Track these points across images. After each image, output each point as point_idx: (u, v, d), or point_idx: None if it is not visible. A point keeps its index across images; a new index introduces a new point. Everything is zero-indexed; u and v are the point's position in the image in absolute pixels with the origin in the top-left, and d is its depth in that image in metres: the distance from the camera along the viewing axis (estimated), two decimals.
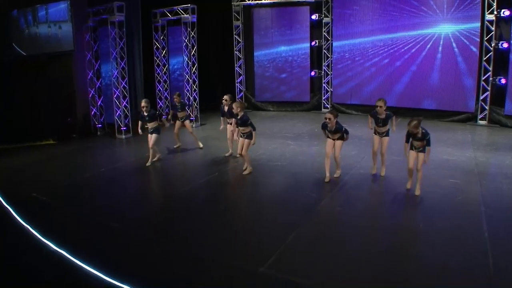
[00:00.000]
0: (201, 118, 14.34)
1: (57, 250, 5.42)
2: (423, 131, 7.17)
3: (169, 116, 11.08)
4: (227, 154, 10.08)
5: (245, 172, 8.65)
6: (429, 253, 5.31)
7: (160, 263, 5.14)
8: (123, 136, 12.34)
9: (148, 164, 9.44)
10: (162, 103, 14.70)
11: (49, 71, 12.57)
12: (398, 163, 8.91)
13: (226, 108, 9.75)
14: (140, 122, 9.58)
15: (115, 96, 12.32)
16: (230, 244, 5.67)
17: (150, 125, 9.42)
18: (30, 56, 12.33)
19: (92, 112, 13.24)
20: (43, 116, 12.37)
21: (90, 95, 13.16)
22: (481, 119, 13.76)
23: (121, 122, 12.37)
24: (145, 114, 9.37)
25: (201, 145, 10.78)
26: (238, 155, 8.96)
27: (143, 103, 9.37)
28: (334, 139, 8.09)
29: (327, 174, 8.12)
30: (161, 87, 14.63)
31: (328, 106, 16.84)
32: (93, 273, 4.85)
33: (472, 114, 13.89)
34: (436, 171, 8.55)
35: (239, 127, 8.55)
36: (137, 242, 5.75)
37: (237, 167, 9.30)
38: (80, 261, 5.07)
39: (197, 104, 13.93)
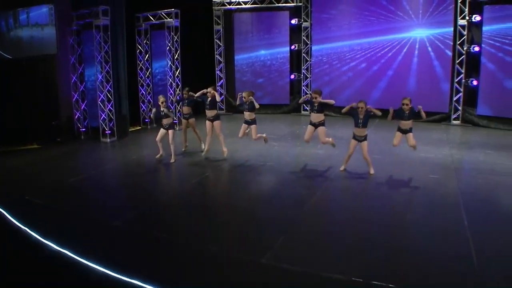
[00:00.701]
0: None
1: (60, 250, 5.55)
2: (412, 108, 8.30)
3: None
4: (203, 153, 10.27)
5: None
6: (416, 242, 5.79)
7: (166, 257, 5.42)
8: (108, 140, 12.45)
9: (172, 161, 9.99)
10: (145, 107, 14.85)
11: (32, 75, 12.54)
12: (380, 161, 9.41)
13: (209, 100, 10.01)
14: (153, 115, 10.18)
15: (99, 99, 12.42)
16: (231, 238, 6.01)
17: (165, 121, 9.93)
18: (14, 59, 12.28)
19: (76, 116, 13.27)
20: (26, 120, 12.33)
21: (74, 99, 13.19)
22: (454, 119, 14.57)
23: (105, 125, 12.47)
24: (162, 109, 9.78)
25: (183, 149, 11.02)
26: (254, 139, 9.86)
27: (161, 99, 9.80)
28: (361, 139, 8.66)
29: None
30: (144, 90, 14.79)
31: (307, 109, 17.31)
32: (101, 270, 5.02)
33: (446, 115, 14.69)
34: (416, 168, 9.12)
35: (247, 112, 9.60)
36: (141, 239, 5.99)
37: (225, 167, 9.65)
38: (87, 260, 5.24)
39: (180, 107, 14.14)
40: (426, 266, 5.05)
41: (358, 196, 7.88)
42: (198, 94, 10.24)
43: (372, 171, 8.79)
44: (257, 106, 9.51)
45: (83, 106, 13.33)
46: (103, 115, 12.49)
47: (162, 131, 10.10)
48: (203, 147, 10.60)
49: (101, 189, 8.46)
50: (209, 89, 10.06)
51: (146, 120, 14.86)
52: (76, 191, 8.18)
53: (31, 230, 6.21)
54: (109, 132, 12.49)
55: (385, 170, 8.87)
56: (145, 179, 8.99)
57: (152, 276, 4.82)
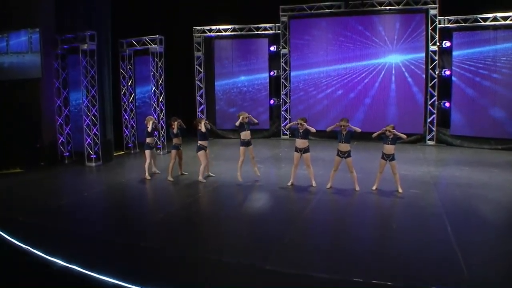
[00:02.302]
0: (167, 146, 14.85)
1: (68, 266, 5.79)
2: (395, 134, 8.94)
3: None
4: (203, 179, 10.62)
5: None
6: (404, 247, 6.39)
7: (175, 267, 5.83)
8: (93, 164, 12.66)
9: (183, 173, 11.02)
10: (128, 132, 15.15)
11: (15, 98, 12.66)
12: (361, 178, 10.04)
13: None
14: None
15: (85, 123, 12.69)
16: (234, 247, 6.46)
17: (177, 141, 10.61)
18: None
19: (60, 140, 13.43)
20: (8, 144, 12.40)
21: (58, 123, 13.38)
22: (429, 140, 15.59)
23: (91, 149, 12.71)
24: (174, 131, 10.52)
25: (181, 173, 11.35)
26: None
27: (176, 121, 10.61)
28: (344, 155, 9.28)
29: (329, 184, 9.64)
30: (127, 115, 15.13)
31: (287, 133, 17.99)
32: (111, 282, 5.32)
33: (421, 136, 15.67)
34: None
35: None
36: (148, 251, 6.35)
37: (216, 187, 10.11)
38: (96, 273, 5.51)
39: (163, 132, 14.55)
40: (414, 265, 5.62)
41: (345, 209, 8.58)
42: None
43: (357, 188, 9.40)
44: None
45: (67, 130, 13.53)
46: (89, 139, 12.74)
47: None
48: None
49: (97, 210, 8.78)
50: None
51: (129, 145, 15.15)
52: (71, 212, 8.44)
53: (34, 249, 6.40)
54: (94, 156, 12.73)
55: (367, 186, 9.51)
56: (141, 199, 9.42)
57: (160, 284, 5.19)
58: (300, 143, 9.63)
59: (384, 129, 9.10)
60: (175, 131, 10.65)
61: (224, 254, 6.11)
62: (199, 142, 10.39)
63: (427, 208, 8.23)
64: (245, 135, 10.27)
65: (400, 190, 9.11)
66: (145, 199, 9.67)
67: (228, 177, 10.80)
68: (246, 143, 10.30)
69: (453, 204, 8.41)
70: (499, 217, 7.77)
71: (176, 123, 10.64)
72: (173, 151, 10.73)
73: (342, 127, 9.22)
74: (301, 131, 9.56)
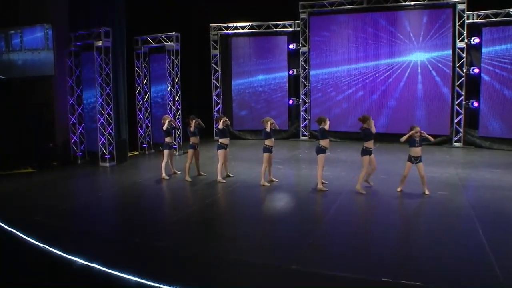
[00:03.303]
0: (183, 147, 15.01)
1: (88, 265, 5.93)
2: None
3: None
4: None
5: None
6: (434, 249, 6.35)
7: (198, 266, 5.96)
8: (107, 164, 12.86)
9: (201, 173, 11.14)
10: (142, 132, 15.35)
11: (28, 97, 12.97)
12: (387, 180, 10.09)
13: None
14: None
15: (99, 123, 12.91)
16: (259, 247, 6.58)
17: (194, 140, 10.78)
18: (9, 80, 12.69)
19: (72, 140, 13.68)
20: (20, 144, 12.67)
21: (71, 122, 13.64)
22: (456, 141, 15.45)
23: (105, 149, 12.91)
24: (192, 129, 10.73)
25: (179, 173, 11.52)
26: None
27: (194, 119, 10.77)
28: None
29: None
30: (142, 115, 15.34)
31: (306, 134, 18.02)
32: (133, 280, 5.45)
33: (447, 137, 15.53)
34: (413, 187, 9.67)
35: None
36: (167, 253, 6.44)
37: (235, 188, 10.25)
38: (118, 271, 5.64)
39: (180, 132, 14.70)
40: (450, 271, 5.57)
41: (371, 210, 8.62)
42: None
43: (427, 191, 9.20)
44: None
45: (80, 130, 13.78)
46: (103, 139, 12.95)
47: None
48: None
49: (113, 210, 9.01)
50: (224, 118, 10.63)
51: (144, 145, 15.34)
52: (87, 212, 8.63)
53: (53, 248, 6.54)
54: (109, 156, 12.93)
55: (393, 188, 9.50)
56: (158, 199, 9.62)
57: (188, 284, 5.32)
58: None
59: (413, 131, 9.07)
60: (192, 129, 10.76)
61: (249, 255, 6.22)
62: (219, 140, 10.55)
63: (456, 210, 8.21)
64: (271, 141, 10.37)
65: (427, 192, 9.08)
66: (163, 199, 9.84)
67: (247, 177, 10.90)
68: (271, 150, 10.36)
69: (483, 206, 8.34)
70: None
71: (194, 121, 10.76)
72: (190, 151, 10.86)
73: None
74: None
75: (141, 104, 15.36)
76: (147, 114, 15.50)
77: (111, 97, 12.97)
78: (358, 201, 9.05)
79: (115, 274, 5.62)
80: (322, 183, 9.81)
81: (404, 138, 9.17)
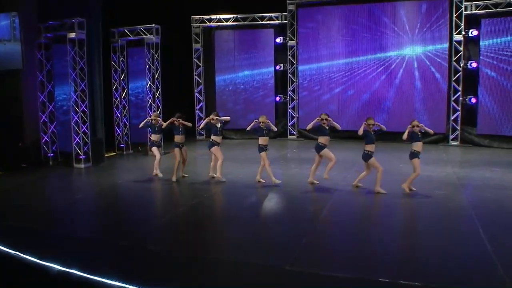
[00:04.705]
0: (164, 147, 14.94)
1: (67, 271, 5.83)
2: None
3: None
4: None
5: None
6: (433, 248, 6.45)
7: (192, 267, 5.99)
8: (82, 165, 12.70)
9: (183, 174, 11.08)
10: (120, 131, 15.24)
11: None
12: (383, 179, 10.14)
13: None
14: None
15: (73, 121, 12.76)
16: (252, 248, 6.62)
17: (179, 139, 10.82)
18: None
19: (43, 140, 13.49)
20: None
21: (41, 120, 13.45)
22: (453, 140, 15.69)
23: (80, 150, 12.78)
24: (180, 128, 10.84)
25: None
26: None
27: (180, 117, 10.91)
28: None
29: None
30: (119, 113, 15.23)
31: (294, 133, 18.10)
32: (116, 285, 5.41)
33: (444, 135, 15.75)
34: (421, 186, 9.84)
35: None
36: (158, 254, 6.43)
37: (224, 187, 10.30)
38: (98, 276, 5.59)
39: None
40: (450, 271, 5.66)
41: (366, 210, 8.76)
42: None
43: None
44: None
45: (51, 129, 13.59)
46: (77, 139, 12.80)
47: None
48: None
49: (92, 212, 8.93)
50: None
51: (122, 145, 15.23)
52: (64, 215, 8.55)
53: (27, 254, 6.41)
54: (84, 157, 12.79)
55: (388, 187, 9.59)
56: (140, 201, 9.58)
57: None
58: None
59: (411, 126, 9.21)
60: (180, 128, 10.87)
61: (242, 256, 6.28)
62: (212, 137, 10.67)
63: (455, 209, 8.39)
64: (265, 140, 10.43)
65: (413, 188, 9.38)
66: (145, 201, 9.73)
67: (234, 177, 10.95)
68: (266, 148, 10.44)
69: (483, 205, 8.51)
70: None
71: (180, 120, 10.85)
72: (177, 150, 10.89)
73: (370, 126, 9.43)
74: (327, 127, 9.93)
75: (118, 101, 15.25)
76: (124, 112, 15.40)
77: (86, 93, 12.83)
78: (352, 201, 9.19)
79: (97, 280, 5.57)
80: (313, 183, 10.09)
81: (406, 135, 9.29)
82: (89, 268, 5.77)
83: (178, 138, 10.91)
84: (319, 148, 9.87)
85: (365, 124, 9.41)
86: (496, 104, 14.91)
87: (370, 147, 9.38)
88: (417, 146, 9.22)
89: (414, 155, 9.24)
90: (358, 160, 12.16)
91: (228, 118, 11.14)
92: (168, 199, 10.18)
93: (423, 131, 9.27)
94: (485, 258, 5.92)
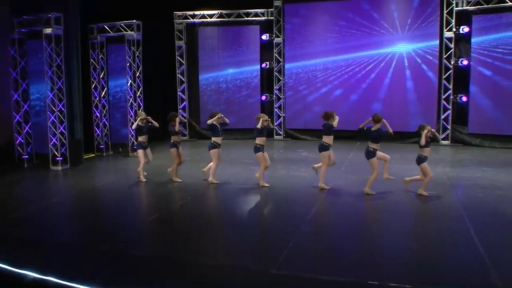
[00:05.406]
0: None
1: (43, 278, 5.75)
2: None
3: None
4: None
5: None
6: (423, 250, 6.54)
7: (174, 272, 5.95)
8: (60, 168, 12.55)
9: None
10: (99, 131, 15.12)
11: None
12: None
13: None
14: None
15: (50, 121, 12.61)
16: (237, 251, 6.65)
17: (176, 139, 10.88)
18: None
19: (17, 141, 13.31)
20: None
21: (15, 120, 13.27)
22: (443, 139, 15.84)
23: (57, 151, 12.64)
24: (176, 128, 10.87)
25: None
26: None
27: (176, 117, 10.97)
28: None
29: None
30: (98, 112, 15.11)
31: (280, 133, 18.13)
32: None
33: None
34: (411, 186, 9.88)
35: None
36: (142, 259, 6.39)
37: (209, 189, 10.35)
38: (76, 283, 5.52)
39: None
40: (441, 274, 5.67)
41: (355, 211, 8.78)
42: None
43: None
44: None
45: (26, 129, 13.42)
46: (54, 140, 12.67)
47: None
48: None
49: (70, 217, 8.84)
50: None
51: (102, 146, 15.10)
52: (40, 220, 8.39)
53: (1, 263, 6.27)
54: (61, 158, 12.65)
55: (378, 187, 9.68)
56: (125, 203, 9.57)
57: None
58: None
59: (427, 130, 9.29)
60: (176, 128, 10.91)
61: (226, 259, 6.29)
62: (212, 138, 10.70)
63: (446, 210, 8.45)
64: (263, 140, 10.47)
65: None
66: (127, 204, 9.65)
67: (220, 179, 10.87)
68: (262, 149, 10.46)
69: (475, 206, 8.60)
70: None
71: (177, 119, 10.92)
72: (173, 150, 10.90)
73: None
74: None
75: (97, 101, 15.12)
76: (104, 112, 15.27)
77: (63, 92, 12.71)
78: (340, 202, 9.25)
79: (75, 287, 5.51)
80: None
81: (423, 140, 9.31)
82: (66, 274, 5.70)
83: (176, 138, 10.97)
84: (323, 148, 9.86)
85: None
86: (488, 103, 15.08)
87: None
88: (428, 151, 9.35)
89: (422, 159, 9.32)
90: (346, 160, 12.32)
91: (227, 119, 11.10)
92: (151, 201, 10.08)
93: (433, 136, 9.46)
94: (476, 259, 5.98)
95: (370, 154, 9.42)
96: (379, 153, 9.45)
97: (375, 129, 9.44)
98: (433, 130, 9.42)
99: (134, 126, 11.21)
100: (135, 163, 11.66)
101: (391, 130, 9.52)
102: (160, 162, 12.51)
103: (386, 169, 9.70)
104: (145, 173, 11.20)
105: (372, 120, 9.49)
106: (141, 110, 14.63)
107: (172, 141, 10.90)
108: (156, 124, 11.21)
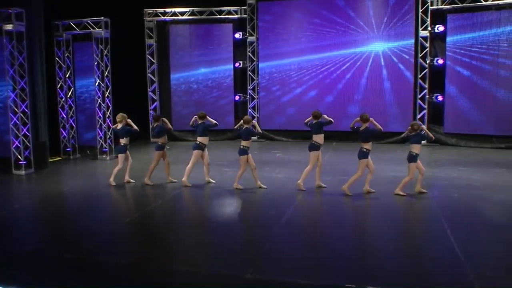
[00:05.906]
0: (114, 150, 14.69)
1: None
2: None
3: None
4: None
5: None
6: (399, 251, 6.63)
7: (144, 278, 5.88)
8: (23, 172, 12.27)
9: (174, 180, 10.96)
10: (66, 133, 14.87)
11: None
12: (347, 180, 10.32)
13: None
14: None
15: (12, 123, 12.33)
16: (211, 257, 6.61)
17: (163, 140, 10.89)
18: None
19: None
20: None
21: None
22: None
23: (20, 154, 12.36)
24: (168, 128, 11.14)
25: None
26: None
27: (162, 118, 11.22)
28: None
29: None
30: (65, 113, 14.86)
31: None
32: None
33: None
34: (387, 187, 10.02)
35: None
36: (110, 265, 6.29)
37: (180, 192, 10.24)
38: None
39: (111, 133, 14.35)
40: (418, 277, 5.77)
41: (329, 212, 8.88)
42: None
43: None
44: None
45: None
46: (17, 142, 12.39)
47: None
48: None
49: (34, 223, 8.64)
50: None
51: (68, 148, 14.85)
52: (3, 227, 8.16)
53: None
54: (25, 162, 12.38)
55: (353, 188, 9.71)
56: (93, 209, 9.44)
57: None
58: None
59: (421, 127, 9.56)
60: (170, 125, 11.16)
61: (199, 265, 6.24)
62: (198, 139, 10.79)
63: (422, 210, 8.66)
64: (248, 143, 10.49)
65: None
66: (94, 209, 9.52)
67: (192, 182, 10.80)
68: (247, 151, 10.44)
69: (451, 206, 8.74)
70: (508, 219, 8.03)
71: (163, 119, 11.05)
72: (157, 153, 10.86)
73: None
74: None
75: (63, 101, 14.88)
76: (71, 113, 15.04)
77: (27, 92, 12.43)
78: (314, 203, 9.37)
79: None
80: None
81: (431, 134, 9.80)
82: (30, 284, 5.63)
83: (163, 140, 10.94)
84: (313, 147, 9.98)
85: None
86: (463, 102, 15.36)
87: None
88: (417, 148, 9.46)
89: (413, 158, 9.38)
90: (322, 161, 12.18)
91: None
92: (120, 206, 10.00)
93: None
94: (453, 259, 6.06)
95: (363, 155, 9.48)
96: (369, 161, 9.53)
97: (363, 128, 9.51)
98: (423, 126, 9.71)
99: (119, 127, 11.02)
100: (104, 166, 11.52)
101: (379, 127, 9.58)
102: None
103: (368, 180, 9.70)
104: (132, 180, 11.08)
105: (360, 119, 9.57)
106: (109, 111, 14.46)
107: (159, 143, 10.87)
108: (135, 127, 11.06)
